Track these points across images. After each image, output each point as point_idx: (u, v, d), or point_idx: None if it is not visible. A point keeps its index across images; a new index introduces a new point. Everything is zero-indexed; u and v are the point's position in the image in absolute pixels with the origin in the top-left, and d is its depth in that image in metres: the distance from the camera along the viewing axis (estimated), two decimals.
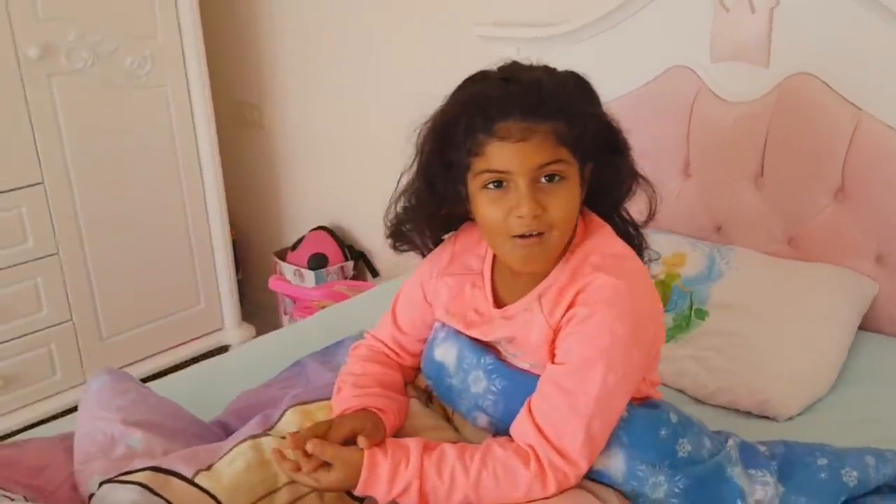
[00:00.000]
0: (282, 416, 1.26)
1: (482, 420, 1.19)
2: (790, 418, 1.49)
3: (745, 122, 1.82)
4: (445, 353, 1.23)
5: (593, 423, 1.07)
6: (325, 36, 2.71)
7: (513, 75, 1.09)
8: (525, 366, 1.16)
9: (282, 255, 2.90)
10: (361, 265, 2.85)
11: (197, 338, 2.86)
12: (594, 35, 2.01)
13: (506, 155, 1.05)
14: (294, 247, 2.85)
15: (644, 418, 1.14)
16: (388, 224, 1.26)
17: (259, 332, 2.93)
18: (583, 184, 1.12)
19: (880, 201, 1.69)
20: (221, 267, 2.85)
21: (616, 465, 1.11)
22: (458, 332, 1.21)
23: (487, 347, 1.20)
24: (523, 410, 1.10)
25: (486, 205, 1.09)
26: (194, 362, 2.78)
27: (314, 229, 2.87)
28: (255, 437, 1.19)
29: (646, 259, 1.21)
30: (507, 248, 1.10)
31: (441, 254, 1.27)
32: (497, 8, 2.23)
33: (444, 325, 1.24)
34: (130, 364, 2.65)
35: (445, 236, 1.30)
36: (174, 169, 2.67)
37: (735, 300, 1.67)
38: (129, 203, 2.59)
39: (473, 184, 1.10)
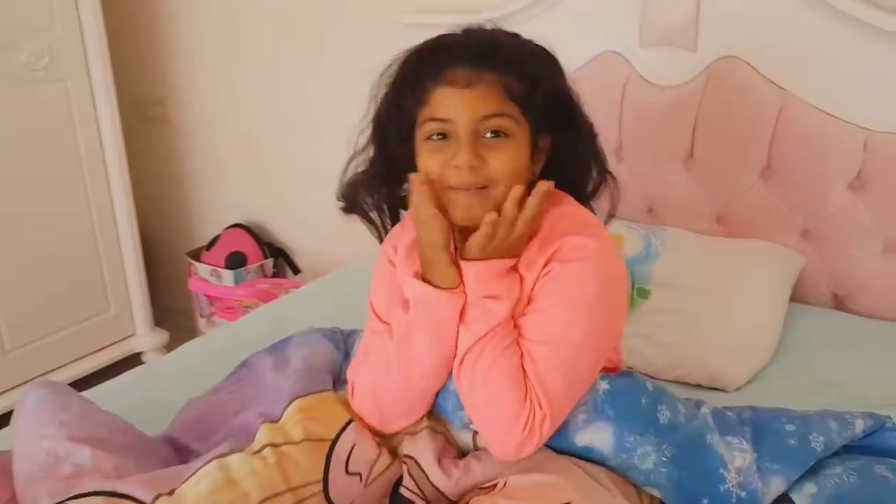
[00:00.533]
0: (287, 405, 1.19)
1: (467, 416, 1.16)
2: (738, 388, 1.54)
3: (675, 106, 1.87)
4: None
5: (555, 378, 1.06)
6: (235, 26, 2.62)
7: (471, 30, 1.10)
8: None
9: (196, 255, 2.79)
10: (282, 262, 2.78)
11: (108, 346, 2.71)
12: (522, 22, 2.01)
13: (451, 101, 1.04)
14: (209, 246, 2.75)
15: (625, 388, 1.15)
16: (342, 184, 1.21)
17: (173, 337, 2.83)
18: (536, 153, 1.10)
19: (804, 178, 1.77)
20: (131, 270, 2.71)
21: (604, 438, 1.12)
22: None
23: None
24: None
25: (426, 156, 1.07)
26: (107, 372, 2.66)
27: (229, 227, 2.78)
28: (222, 455, 1.11)
29: None
30: (448, 199, 1.07)
31: (403, 232, 1.22)
32: None
33: None
34: (37, 377, 2.49)
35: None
36: (77, 168, 2.53)
37: (675, 278, 1.72)
38: (29, 205, 2.43)
39: (419, 136, 1.08)
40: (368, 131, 1.16)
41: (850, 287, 1.78)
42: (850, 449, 1.27)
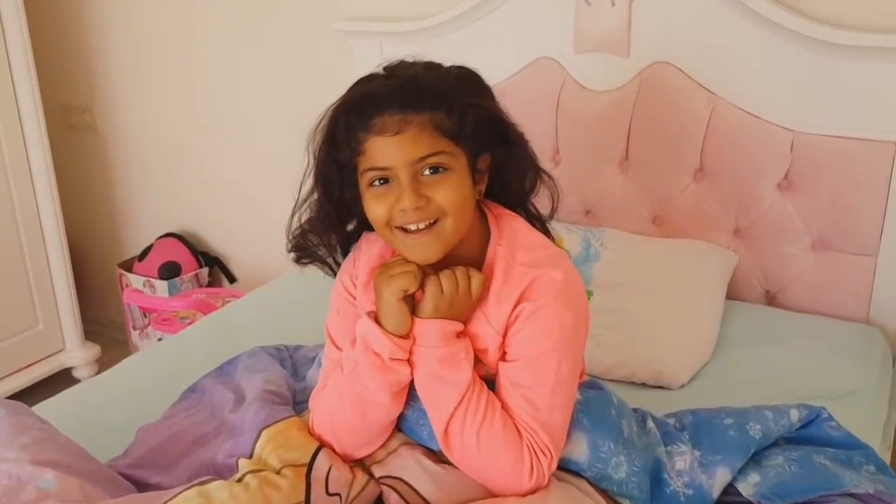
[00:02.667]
0: (257, 438, 1.19)
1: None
2: (682, 386, 1.59)
3: (610, 110, 1.92)
4: None
5: (555, 415, 1.10)
6: (164, 32, 2.56)
7: (393, 72, 1.10)
8: (481, 372, 1.15)
9: (128, 266, 2.72)
10: (217, 271, 2.73)
11: (37, 362, 2.62)
12: (459, 28, 2.03)
13: (385, 150, 1.05)
14: (141, 257, 2.69)
15: (598, 400, 1.18)
16: (291, 236, 1.22)
17: (105, 351, 2.75)
18: (477, 174, 1.12)
19: (736, 179, 1.84)
20: (60, 283, 2.63)
21: (580, 449, 1.15)
22: None
23: None
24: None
25: (371, 202, 1.09)
26: (37, 388, 2.57)
27: (162, 237, 2.72)
28: (202, 483, 1.10)
29: None
30: (400, 241, 1.10)
31: (352, 264, 1.22)
32: (358, 2, 2.20)
33: None
34: None
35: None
36: (3, 179, 2.44)
37: (615, 279, 1.76)
38: None
39: (362, 183, 1.10)
40: (311, 181, 1.16)
41: (782, 283, 1.85)
42: (791, 440, 1.32)
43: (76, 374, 2.72)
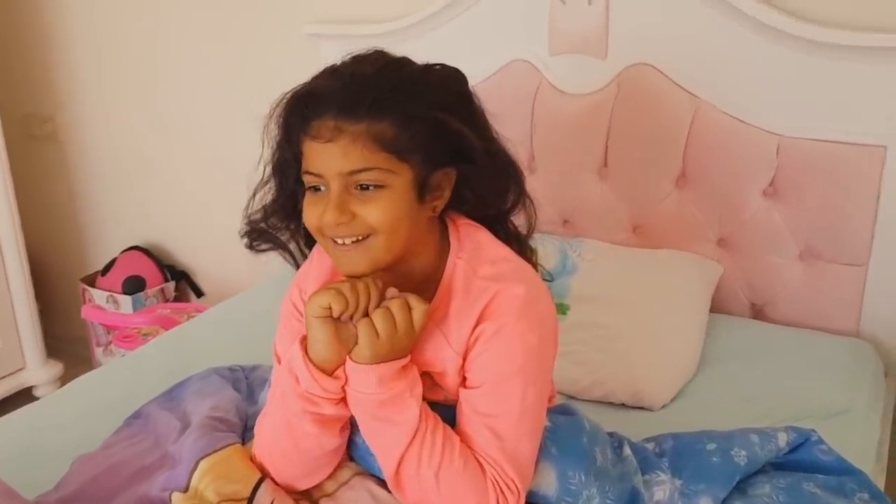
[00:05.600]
0: (193, 470, 1.09)
1: None
2: (664, 406, 1.50)
3: (587, 114, 1.83)
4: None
5: (522, 445, 1.00)
6: (128, 40, 2.47)
7: (343, 69, 0.99)
8: (437, 398, 1.06)
9: (90, 280, 2.61)
10: (184, 285, 2.63)
11: None
12: (429, 31, 1.95)
13: (317, 156, 0.96)
14: (104, 271, 2.58)
15: (567, 426, 1.09)
16: (247, 218, 1.11)
17: (68, 369, 2.65)
18: (428, 191, 1.00)
19: (719, 185, 1.75)
20: (19, 299, 2.52)
21: (548, 481, 1.06)
22: None
23: None
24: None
25: (306, 207, 1.00)
26: None
27: (126, 250, 2.62)
28: None
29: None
30: (331, 251, 1.00)
31: (306, 277, 1.13)
32: (327, 5, 2.11)
33: None
34: None
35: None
36: None
37: (593, 292, 1.66)
38: None
39: (305, 183, 1.01)
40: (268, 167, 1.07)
41: (768, 295, 1.77)
42: (779, 466, 1.23)
43: (38, 392, 2.61)
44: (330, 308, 0.95)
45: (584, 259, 1.74)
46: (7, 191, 2.42)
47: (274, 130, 1.04)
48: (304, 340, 1.01)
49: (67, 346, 2.81)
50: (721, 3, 1.64)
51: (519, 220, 1.16)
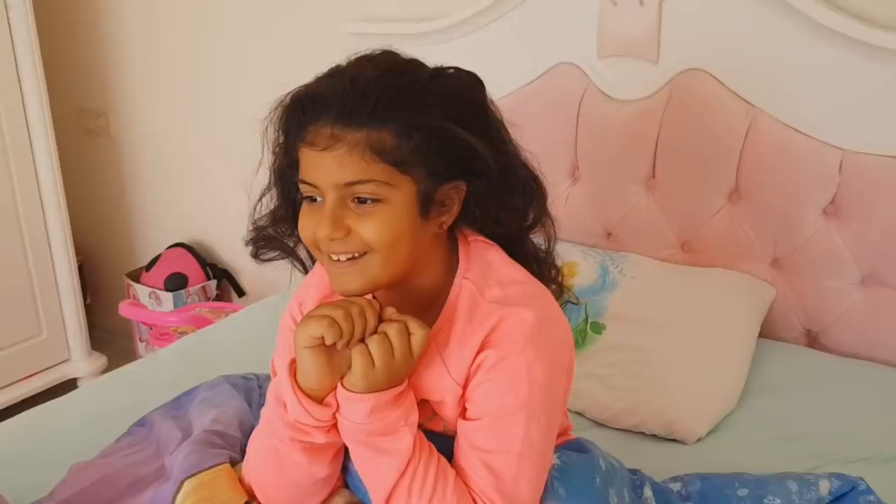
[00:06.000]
0: (178, 491, 1.05)
1: None
2: (699, 439, 1.38)
3: (635, 122, 1.72)
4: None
5: (521, 487, 0.91)
6: (179, 36, 2.46)
7: (346, 70, 0.91)
8: (438, 428, 0.99)
9: (135, 276, 2.62)
10: (226, 284, 2.61)
11: (40, 371, 2.53)
12: (473, 31, 1.87)
13: (312, 165, 0.88)
14: (149, 267, 2.58)
15: (579, 466, 0.99)
16: (251, 226, 1.06)
17: (112, 362, 2.65)
18: (434, 206, 0.92)
19: (775, 202, 1.62)
20: (66, 292, 2.53)
21: None
22: None
23: None
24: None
25: (301, 218, 0.93)
26: (40, 398, 2.48)
27: (171, 247, 2.61)
28: None
29: (561, 302, 1.04)
30: (326, 267, 0.93)
31: (306, 291, 1.07)
32: (369, 3, 2.05)
33: None
34: None
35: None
36: (7, 186, 2.35)
37: (632, 311, 1.56)
38: None
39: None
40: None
41: (825, 322, 1.63)
42: None
43: (81, 384, 2.63)
44: (322, 338, 0.88)
45: (626, 275, 1.64)
46: (56, 184, 2.44)
47: (273, 134, 0.97)
48: (293, 364, 0.94)
49: (112, 338, 2.83)
50: (781, 4, 1.51)
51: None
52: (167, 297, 2.47)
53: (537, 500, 0.95)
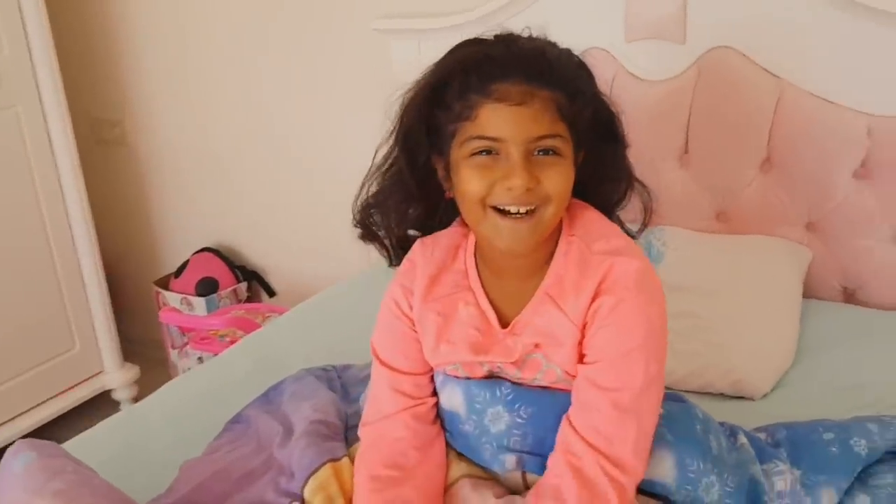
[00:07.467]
0: (304, 486, 1.11)
1: (510, 461, 1.07)
2: (764, 396, 1.46)
3: (667, 101, 1.80)
4: (451, 397, 1.09)
5: (643, 420, 0.98)
6: (194, 41, 2.48)
7: (514, 41, 1.00)
8: (545, 383, 1.05)
9: (164, 283, 2.65)
10: (255, 286, 2.65)
11: (75, 385, 2.55)
12: (501, 21, 1.91)
13: (501, 119, 0.95)
14: (177, 273, 2.61)
15: (681, 413, 1.08)
16: (358, 208, 1.11)
17: (144, 371, 2.68)
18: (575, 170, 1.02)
19: (807, 169, 1.71)
20: (96, 303, 2.55)
21: (666, 469, 1.04)
22: (456, 376, 1.09)
23: (498, 378, 1.07)
24: (562, 429, 1.00)
25: (469, 173, 0.98)
26: (78, 412, 2.51)
27: (198, 252, 2.64)
28: None
29: None
30: (491, 224, 0.98)
31: (409, 275, 1.12)
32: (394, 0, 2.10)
33: (438, 371, 1.11)
34: (2, 425, 2.33)
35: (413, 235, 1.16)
36: (33, 198, 2.36)
37: (682, 280, 1.63)
38: None
39: (459, 153, 0.99)
40: (390, 147, 1.06)
41: (861, 279, 1.72)
42: None
43: (116, 396, 2.66)
44: None
45: (669, 247, 1.71)
46: (81, 196, 2.45)
47: (413, 101, 1.02)
48: None
49: (142, 348, 2.85)
50: None
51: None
52: (200, 302, 2.50)
53: (653, 434, 1.01)
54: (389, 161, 1.06)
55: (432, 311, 1.07)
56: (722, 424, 1.19)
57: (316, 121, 2.33)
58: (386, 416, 1.10)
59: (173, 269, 2.66)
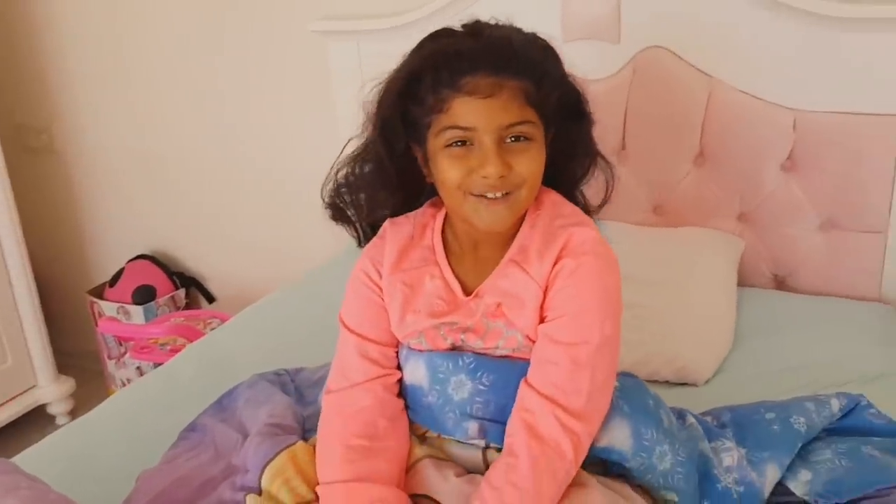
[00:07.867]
0: (261, 476, 1.11)
1: (473, 428, 1.09)
2: (707, 381, 1.52)
3: (603, 99, 1.82)
4: (414, 371, 1.12)
5: (597, 374, 1.03)
6: (130, 41, 2.44)
7: (481, 31, 1.05)
8: (506, 352, 1.08)
9: (98, 293, 2.59)
10: (194, 292, 2.61)
11: (9, 400, 2.48)
12: (439, 23, 1.93)
13: (472, 111, 0.99)
14: (112, 282, 2.56)
15: (635, 388, 1.13)
16: (329, 192, 1.15)
17: (80, 384, 2.62)
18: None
19: (737, 162, 1.78)
20: (27, 315, 2.48)
21: (623, 437, 1.08)
22: (420, 349, 1.11)
23: (459, 349, 1.10)
24: (520, 391, 1.04)
25: (447, 164, 1.03)
26: (12, 428, 2.44)
27: (133, 259, 2.59)
28: None
29: None
30: (471, 207, 1.04)
31: (379, 250, 1.15)
32: (331, 2, 2.10)
33: (402, 345, 1.14)
34: None
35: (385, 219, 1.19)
36: None
37: (624, 273, 1.65)
38: None
39: (435, 143, 1.04)
40: (368, 136, 1.09)
41: (791, 266, 1.81)
42: (832, 432, 1.27)
43: (51, 410, 2.59)
44: None
45: (610, 240, 1.75)
46: (9, 205, 2.39)
47: (389, 94, 1.05)
48: None
49: (77, 360, 2.78)
50: None
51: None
52: (137, 311, 2.46)
53: (609, 393, 1.06)
54: (366, 149, 1.10)
55: (399, 282, 1.11)
56: (672, 409, 1.24)
57: (254, 123, 2.31)
58: (354, 383, 1.12)
59: (108, 277, 2.61)
